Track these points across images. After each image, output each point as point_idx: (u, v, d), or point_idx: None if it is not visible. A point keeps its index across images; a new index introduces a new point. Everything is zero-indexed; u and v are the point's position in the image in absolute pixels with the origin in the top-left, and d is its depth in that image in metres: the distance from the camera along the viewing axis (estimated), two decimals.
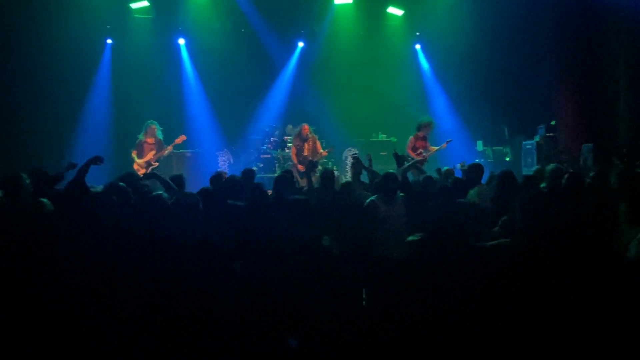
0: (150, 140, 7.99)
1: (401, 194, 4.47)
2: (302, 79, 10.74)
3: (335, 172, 9.32)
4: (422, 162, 8.05)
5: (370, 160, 6.32)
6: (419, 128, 8.10)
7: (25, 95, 8.69)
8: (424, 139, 8.20)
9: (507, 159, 9.90)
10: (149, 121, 8.04)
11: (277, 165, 9.56)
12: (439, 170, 5.82)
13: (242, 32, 10.52)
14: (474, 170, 4.97)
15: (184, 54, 10.55)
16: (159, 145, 8.04)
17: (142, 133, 8.02)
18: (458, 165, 6.02)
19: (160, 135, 8.07)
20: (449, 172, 5.70)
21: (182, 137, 8.17)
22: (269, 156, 9.80)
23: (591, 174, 4.75)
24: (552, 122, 9.07)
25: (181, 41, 10.49)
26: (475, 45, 9.71)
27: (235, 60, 10.32)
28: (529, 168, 8.68)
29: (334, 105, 10.37)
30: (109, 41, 10.04)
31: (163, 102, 9.77)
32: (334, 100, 10.40)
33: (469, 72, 9.95)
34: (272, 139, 9.96)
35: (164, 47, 10.27)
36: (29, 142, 8.42)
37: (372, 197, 4.41)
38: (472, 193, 4.63)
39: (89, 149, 9.08)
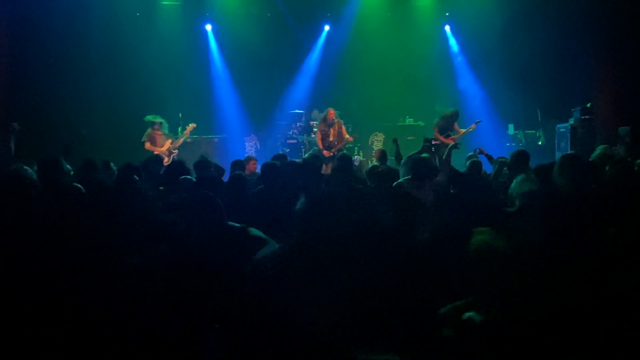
0: (159, 132, 7.92)
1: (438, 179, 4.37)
2: (329, 62, 10.66)
3: (359, 158, 9.36)
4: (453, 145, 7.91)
5: (397, 144, 6.23)
6: (441, 119, 7.98)
7: (58, 85, 8.93)
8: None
9: (540, 143, 9.60)
10: (149, 117, 7.92)
11: (303, 150, 9.58)
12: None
13: (267, 16, 10.50)
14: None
15: (211, 39, 10.63)
16: (170, 136, 8.05)
17: (148, 126, 7.93)
18: (473, 153, 5.84)
19: (165, 131, 7.97)
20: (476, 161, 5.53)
21: (193, 125, 8.12)
22: (295, 141, 9.83)
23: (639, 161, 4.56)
24: (588, 104, 8.71)
25: (208, 27, 10.57)
26: (507, 25, 9.37)
27: (261, 44, 10.31)
28: (562, 152, 8.41)
29: (360, 89, 10.26)
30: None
31: (191, 88, 9.90)
32: (360, 84, 10.28)
33: (500, 52, 9.63)
34: (298, 124, 9.98)
35: (192, 33, 10.37)
36: (63, 131, 8.67)
37: (401, 180, 4.35)
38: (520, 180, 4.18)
39: (119, 135, 9.36)
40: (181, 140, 8.07)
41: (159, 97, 9.43)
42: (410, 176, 4.29)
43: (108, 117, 9.45)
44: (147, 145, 7.81)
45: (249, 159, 6.36)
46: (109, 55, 9.52)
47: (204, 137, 9.53)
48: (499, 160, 5.27)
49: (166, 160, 7.54)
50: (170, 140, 7.95)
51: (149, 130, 7.92)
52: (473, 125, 8.19)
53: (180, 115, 8.99)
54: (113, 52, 9.62)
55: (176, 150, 7.95)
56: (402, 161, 5.03)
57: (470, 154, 6.46)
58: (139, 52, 9.67)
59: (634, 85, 8.00)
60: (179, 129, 8.71)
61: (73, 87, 9.07)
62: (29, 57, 8.79)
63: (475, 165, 4.91)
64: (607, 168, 4.36)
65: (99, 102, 9.41)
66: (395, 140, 6.20)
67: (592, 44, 8.91)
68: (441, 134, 7.86)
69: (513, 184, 4.21)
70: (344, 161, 4.88)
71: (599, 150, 5.61)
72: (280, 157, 5.56)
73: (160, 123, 7.93)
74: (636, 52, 7.98)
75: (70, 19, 8.91)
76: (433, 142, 6.22)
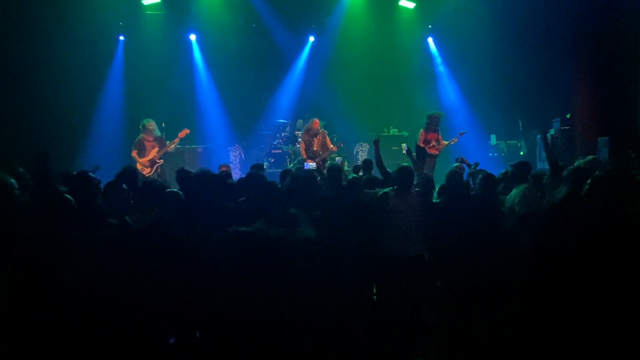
0: (150, 138, 7.58)
1: (417, 189, 4.36)
2: (313, 73, 10.71)
3: (339, 160, 9.26)
4: (434, 155, 7.99)
5: (377, 146, 6.13)
6: (427, 121, 8.04)
7: (39, 92, 8.80)
8: (435, 131, 8.10)
9: (522, 153, 9.74)
10: (144, 119, 7.63)
11: (288, 160, 9.56)
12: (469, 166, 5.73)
13: (253, 27, 10.52)
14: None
15: (196, 49, 10.61)
16: (161, 142, 7.65)
17: (140, 132, 7.62)
18: (456, 164, 5.87)
19: (158, 132, 7.69)
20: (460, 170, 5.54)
21: (186, 131, 7.74)
22: (280, 151, 9.81)
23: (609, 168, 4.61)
24: (568, 115, 8.90)
25: (192, 37, 10.56)
26: (489, 37, 9.55)
27: (247, 55, 10.33)
28: (543, 162, 8.53)
29: (344, 100, 10.31)
30: (122, 38, 10.15)
31: (175, 98, 9.83)
32: (345, 95, 10.34)
33: (482, 64, 9.80)
34: (282, 134, 9.97)
35: (176, 43, 10.34)
36: (42, 139, 8.51)
37: (386, 190, 4.32)
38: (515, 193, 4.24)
39: (102, 145, 9.24)
40: (171, 146, 7.66)
41: (143, 106, 9.34)
42: (397, 186, 4.26)
43: (89, 124, 9.33)
44: (133, 153, 7.55)
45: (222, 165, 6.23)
46: (92, 63, 9.42)
47: (187, 147, 9.45)
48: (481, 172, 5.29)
49: (147, 171, 7.33)
50: (156, 149, 7.60)
51: (140, 136, 7.61)
52: (456, 138, 8.26)
53: (163, 125, 8.89)
54: (96, 60, 9.53)
55: (161, 160, 7.61)
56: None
57: (455, 164, 6.49)
58: (123, 62, 9.60)
59: (611, 97, 8.20)
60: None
61: (54, 94, 8.92)
62: (8, 60, 8.62)
63: (455, 176, 4.88)
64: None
65: (80, 109, 9.26)
66: (376, 142, 5.82)
67: (572, 57, 9.12)
68: (427, 134, 7.94)
69: (514, 192, 4.27)
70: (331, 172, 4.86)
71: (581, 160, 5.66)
72: (259, 166, 5.56)
73: (151, 128, 7.55)
74: (612, 65, 8.20)
75: (53, 26, 8.82)
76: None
